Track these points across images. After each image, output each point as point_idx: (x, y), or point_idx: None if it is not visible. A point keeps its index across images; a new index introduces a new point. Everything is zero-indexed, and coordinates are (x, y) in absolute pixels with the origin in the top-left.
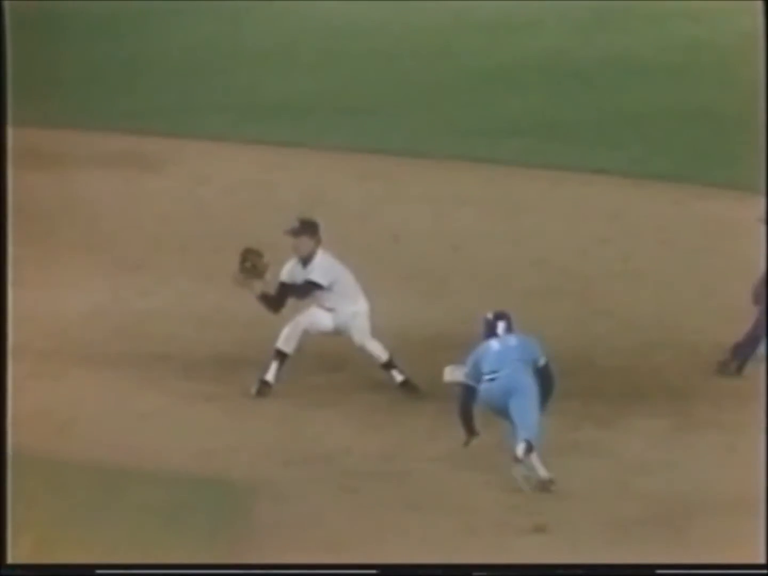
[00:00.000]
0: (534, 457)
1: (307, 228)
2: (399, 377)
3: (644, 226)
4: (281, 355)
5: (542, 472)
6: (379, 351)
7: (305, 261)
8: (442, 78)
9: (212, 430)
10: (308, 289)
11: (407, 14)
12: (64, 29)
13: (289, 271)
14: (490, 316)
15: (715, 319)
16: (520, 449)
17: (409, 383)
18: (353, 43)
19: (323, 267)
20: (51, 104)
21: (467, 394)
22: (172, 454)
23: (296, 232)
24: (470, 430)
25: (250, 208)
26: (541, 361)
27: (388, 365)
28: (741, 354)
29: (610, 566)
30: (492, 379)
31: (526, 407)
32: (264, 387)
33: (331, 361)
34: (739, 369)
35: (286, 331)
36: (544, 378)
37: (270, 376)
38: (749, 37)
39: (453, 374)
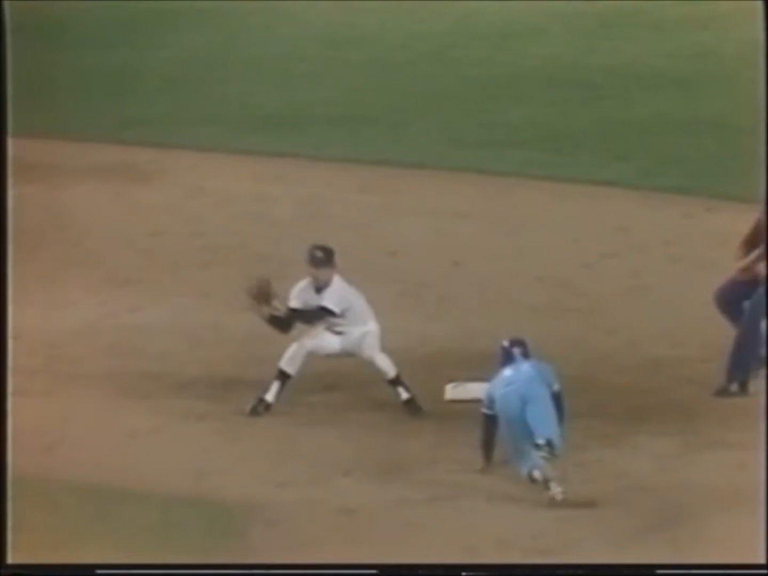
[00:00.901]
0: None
1: (329, 257)
2: (404, 395)
3: (652, 240)
4: (283, 376)
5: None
6: (387, 366)
7: (320, 287)
8: (442, 87)
9: (205, 450)
10: (320, 315)
11: (406, 22)
12: (53, 37)
13: (300, 294)
14: (506, 343)
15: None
16: (541, 440)
17: (414, 402)
18: (351, 51)
19: (338, 294)
20: (38, 114)
21: (489, 423)
22: (164, 475)
23: (319, 263)
24: (488, 459)
25: (245, 221)
26: (555, 387)
27: (395, 381)
28: (737, 374)
29: (610, 566)
30: (508, 385)
31: (543, 414)
32: (261, 406)
33: (328, 378)
34: (743, 388)
35: (290, 352)
36: (557, 404)
37: (270, 396)
38: (760, 45)
39: (454, 392)
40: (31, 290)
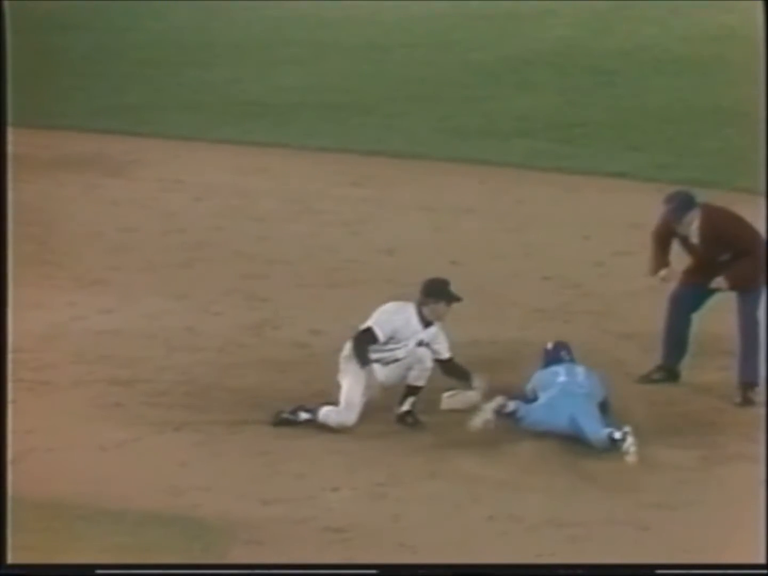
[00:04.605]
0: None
1: None
2: (407, 406)
3: None
4: (314, 421)
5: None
6: (424, 376)
7: (429, 322)
8: (442, 72)
9: (183, 463)
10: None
11: (403, 2)
12: (17, 18)
13: (410, 321)
14: (549, 346)
15: None
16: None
17: (412, 414)
18: (343, 34)
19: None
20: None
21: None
22: (138, 491)
23: (452, 301)
24: None
25: (226, 217)
26: (604, 396)
27: (416, 391)
28: (745, 381)
29: (610, 566)
30: (560, 396)
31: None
32: (288, 423)
33: (315, 387)
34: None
35: (329, 416)
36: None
37: (303, 416)
38: (760, 45)
39: (450, 401)
40: None
